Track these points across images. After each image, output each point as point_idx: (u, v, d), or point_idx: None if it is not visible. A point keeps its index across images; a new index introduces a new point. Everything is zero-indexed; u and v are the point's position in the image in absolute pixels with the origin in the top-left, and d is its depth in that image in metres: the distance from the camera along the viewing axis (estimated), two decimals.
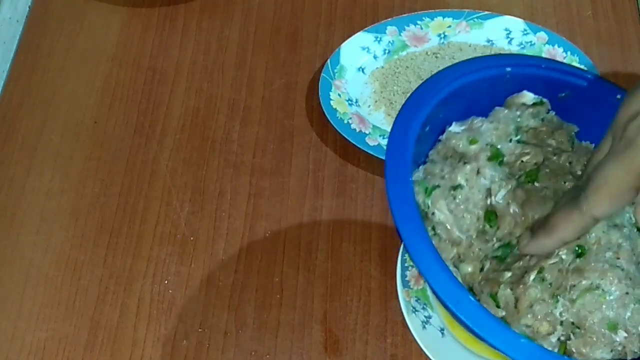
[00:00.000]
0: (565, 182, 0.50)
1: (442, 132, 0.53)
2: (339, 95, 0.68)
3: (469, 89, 0.53)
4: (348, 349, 0.58)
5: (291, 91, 0.70)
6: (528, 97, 0.54)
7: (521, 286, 0.46)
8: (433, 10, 0.73)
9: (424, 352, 0.56)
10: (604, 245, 0.48)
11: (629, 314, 0.45)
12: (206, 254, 0.62)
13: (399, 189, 0.46)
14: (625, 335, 0.45)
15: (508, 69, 0.53)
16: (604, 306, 0.45)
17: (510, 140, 0.52)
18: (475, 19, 0.72)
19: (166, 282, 0.60)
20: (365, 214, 0.64)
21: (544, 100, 0.54)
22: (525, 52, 0.71)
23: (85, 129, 0.68)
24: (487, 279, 0.47)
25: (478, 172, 0.50)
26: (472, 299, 0.43)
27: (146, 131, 0.68)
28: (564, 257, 0.47)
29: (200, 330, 0.58)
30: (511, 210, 0.49)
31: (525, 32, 0.71)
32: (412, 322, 0.57)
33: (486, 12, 0.72)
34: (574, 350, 0.45)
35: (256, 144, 0.67)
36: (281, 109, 0.69)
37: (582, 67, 0.53)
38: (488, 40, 0.72)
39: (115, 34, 0.74)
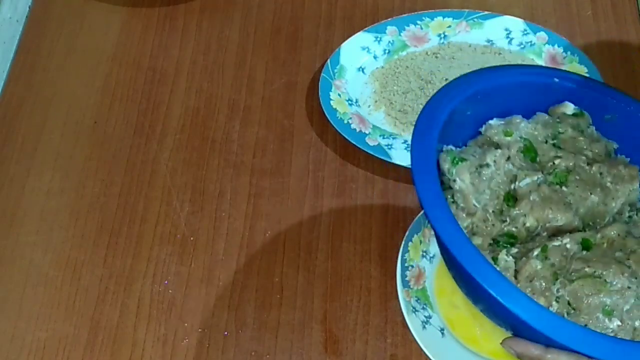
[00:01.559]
0: (591, 194, 0.51)
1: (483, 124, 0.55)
2: (339, 95, 0.68)
3: (519, 89, 0.55)
4: (348, 349, 0.58)
5: (291, 91, 0.70)
6: (569, 107, 0.55)
7: (524, 259, 0.47)
8: (433, 10, 0.73)
9: (424, 352, 0.56)
10: (616, 246, 0.49)
11: (627, 306, 0.46)
12: (206, 254, 0.62)
13: (423, 148, 0.48)
14: (619, 324, 0.46)
15: (556, 80, 0.55)
16: (602, 293, 0.46)
17: (546, 142, 0.54)
18: (475, 19, 0.72)
19: (166, 282, 0.60)
20: (365, 214, 0.63)
21: (585, 113, 0.55)
22: (525, 52, 0.71)
23: (85, 129, 0.68)
24: (493, 250, 0.49)
25: (508, 158, 0.52)
26: (476, 249, 0.44)
27: (146, 131, 0.68)
28: (568, 246, 0.49)
29: (200, 330, 0.58)
30: (531, 198, 0.50)
31: (525, 32, 0.71)
32: (412, 322, 0.57)
33: (486, 12, 0.72)
34: None
35: (256, 144, 0.67)
36: (281, 109, 0.69)
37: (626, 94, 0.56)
38: (488, 40, 0.72)
39: (115, 34, 0.74)
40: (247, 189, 0.65)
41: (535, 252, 0.47)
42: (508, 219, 0.50)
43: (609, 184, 0.53)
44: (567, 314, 0.46)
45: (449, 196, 0.51)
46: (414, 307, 0.58)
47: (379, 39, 0.71)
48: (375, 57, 0.71)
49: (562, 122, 0.55)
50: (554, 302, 0.46)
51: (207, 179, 0.65)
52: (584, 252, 0.49)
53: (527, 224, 0.50)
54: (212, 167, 0.66)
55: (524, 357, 0.44)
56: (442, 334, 0.57)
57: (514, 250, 0.48)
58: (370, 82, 0.70)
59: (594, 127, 0.56)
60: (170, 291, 0.60)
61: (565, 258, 0.48)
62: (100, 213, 0.64)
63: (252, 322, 0.59)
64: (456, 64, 0.71)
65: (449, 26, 0.72)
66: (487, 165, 0.51)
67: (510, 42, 0.72)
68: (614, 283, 0.47)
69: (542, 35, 0.71)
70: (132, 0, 0.75)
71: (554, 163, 0.53)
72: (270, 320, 0.59)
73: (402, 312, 0.57)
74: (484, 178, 0.51)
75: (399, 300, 0.57)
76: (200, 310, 0.59)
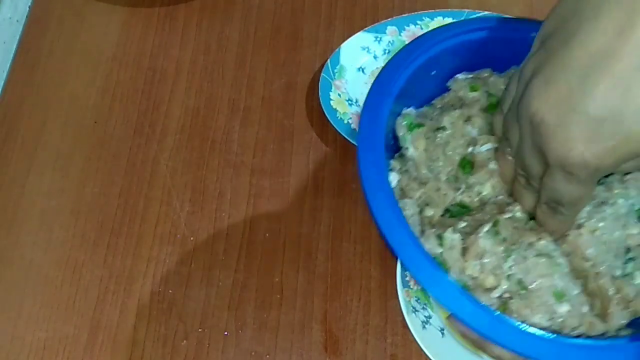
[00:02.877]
0: None
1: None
2: (339, 95, 0.68)
3: (489, 44, 0.51)
4: (348, 349, 0.58)
5: (291, 91, 0.70)
6: None
7: (472, 236, 0.45)
8: (433, 10, 0.73)
9: (424, 352, 0.56)
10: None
11: (576, 291, 0.45)
12: (206, 254, 0.62)
13: (371, 127, 0.45)
14: (569, 309, 0.44)
15: (533, 34, 0.52)
16: (556, 275, 0.45)
17: None
18: None
19: (166, 282, 0.60)
20: (365, 214, 0.63)
21: None
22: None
23: (86, 129, 0.68)
24: (442, 223, 0.46)
25: (468, 119, 0.49)
26: (413, 237, 0.42)
27: (146, 131, 0.68)
28: (518, 215, 0.46)
29: (200, 330, 0.58)
30: (490, 167, 0.48)
31: None
32: (412, 322, 0.57)
33: (486, 12, 0.72)
34: (514, 310, 0.44)
35: (256, 144, 0.67)
36: (281, 109, 0.69)
37: None
38: None
39: (115, 34, 0.74)
40: (247, 189, 0.65)
41: (486, 228, 0.45)
42: (463, 186, 0.48)
43: None
44: (517, 295, 0.44)
45: (402, 165, 0.49)
46: (414, 307, 0.58)
47: (379, 39, 0.71)
48: (375, 57, 0.71)
49: None
50: (503, 280, 0.44)
51: (207, 179, 0.65)
52: (532, 222, 0.46)
53: (483, 193, 0.47)
54: (212, 167, 0.66)
55: None
56: (442, 334, 0.57)
57: (463, 224, 0.46)
58: (370, 82, 0.70)
59: None
60: (170, 291, 0.60)
61: (516, 230, 0.46)
62: (100, 213, 0.64)
63: (252, 322, 0.59)
64: None
65: None
66: (444, 128, 0.48)
67: None
68: (563, 263, 0.45)
69: None
70: (132, 0, 0.75)
71: None
72: (270, 320, 0.59)
73: (402, 312, 0.57)
74: (439, 142, 0.48)
75: (399, 300, 0.57)
76: (200, 310, 0.59)
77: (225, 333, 0.58)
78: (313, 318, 0.59)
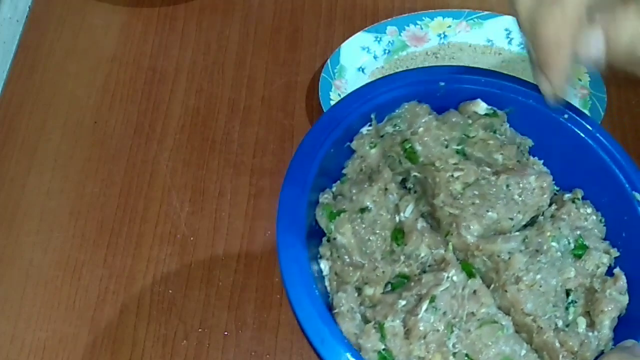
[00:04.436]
0: (489, 212, 0.48)
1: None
2: (339, 95, 0.68)
3: (397, 105, 0.51)
4: None
5: (291, 91, 0.70)
6: (481, 106, 0.52)
7: (413, 317, 0.44)
8: (433, 10, 0.73)
9: None
10: (503, 267, 0.47)
11: (524, 351, 0.44)
12: (206, 254, 0.62)
13: (288, 223, 0.45)
14: None
15: (442, 84, 0.51)
16: (501, 341, 0.44)
17: (447, 147, 0.50)
18: (475, 19, 0.72)
19: (166, 282, 0.60)
20: None
21: (499, 112, 0.52)
22: (525, 51, 0.71)
23: (86, 129, 0.68)
24: (383, 303, 0.46)
25: (386, 190, 0.49)
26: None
27: (146, 131, 0.68)
28: (455, 279, 0.45)
29: (200, 330, 0.58)
30: (419, 227, 0.48)
31: None
32: None
33: (486, 12, 0.72)
34: None
35: (256, 144, 0.67)
36: (281, 109, 0.69)
37: (528, 81, 0.52)
38: (488, 40, 0.72)
39: (115, 34, 0.74)
40: (247, 189, 0.65)
41: (424, 306, 0.44)
42: (402, 258, 0.47)
43: (516, 197, 0.49)
44: None
45: (334, 251, 0.48)
46: None
47: (379, 39, 0.71)
48: (375, 57, 0.71)
49: (474, 123, 0.51)
50: (450, 358, 0.44)
51: (207, 179, 0.65)
52: (470, 282, 0.46)
53: (421, 255, 0.47)
54: (212, 167, 0.66)
55: None
56: None
57: (402, 302, 0.45)
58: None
59: (508, 125, 0.52)
60: (170, 291, 0.60)
61: (456, 299, 0.45)
62: (100, 213, 0.64)
63: (252, 322, 0.59)
64: (456, 64, 0.71)
65: (449, 26, 0.72)
66: (368, 209, 0.48)
67: (510, 42, 0.72)
68: (510, 326, 0.45)
69: None
70: (132, 1, 0.75)
71: (452, 175, 0.49)
72: (270, 320, 0.59)
73: None
74: (367, 224, 0.48)
75: None
76: (200, 310, 0.59)
77: (225, 333, 0.58)
78: None
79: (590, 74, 0.68)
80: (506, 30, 0.72)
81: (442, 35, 0.72)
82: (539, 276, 0.46)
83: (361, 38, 0.71)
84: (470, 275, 0.47)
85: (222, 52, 0.73)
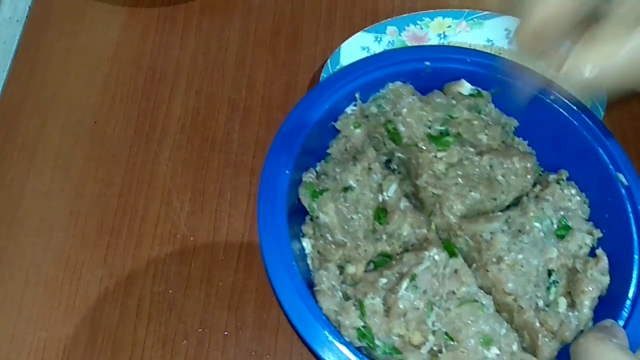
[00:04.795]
0: (471, 192, 0.48)
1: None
2: None
3: (382, 84, 0.51)
4: None
5: (291, 91, 0.70)
6: (465, 86, 0.52)
7: (393, 296, 0.44)
8: (433, 10, 0.73)
9: None
10: (492, 251, 0.46)
11: (504, 330, 0.44)
12: (206, 254, 0.62)
13: (269, 203, 0.45)
14: (498, 352, 0.44)
15: (427, 63, 0.51)
16: (481, 320, 0.44)
17: (430, 127, 0.50)
18: (475, 19, 0.72)
19: (166, 282, 0.60)
20: None
21: (483, 92, 0.52)
22: None
23: (85, 129, 0.68)
24: (365, 281, 0.46)
25: (369, 168, 0.49)
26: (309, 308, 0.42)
27: (146, 131, 0.68)
28: (436, 258, 0.45)
29: (200, 330, 0.58)
30: (401, 206, 0.48)
31: None
32: None
33: (486, 12, 0.72)
34: None
35: (256, 144, 0.67)
36: (281, 109, 0.69)
37: (513, 61, 0.51)
38: (488, 40, 0.72)
39: (116, 34, 0.74)
40: (247, 189, 0.65)
41: (404, 285, 0.44)
42: (384, 237, 0.47)
43: (500, 178, 0.49)
44: (445, 347, 0.44)
45: (316, 230, 0.48)
46: None
47: (379, 39, 0.71)
48: None
49: (458, 104, 0.51)
50: (430, 336, 0.44)
51: (207, 179, 0.65)
52: (451, 261, 0.45)
53: (404, 234, 0.47)
54: (212, 167, 0.66)
55: None
56: None
57: (384, 281, 0.45)
58: None
59: (494, 105, 0.52)
60: (170, 291, 0.60)
61: (436, 278, 0.45)
62: (100, 213, 0.64)
63: (252, 322, 0.59)
64: None
65: (449, 26, 0.72)
66: (351, 188, 0.48)
67: (510, 42, 0.72)
68: (490, 305, 0.45)
69: None
70: (132, 1, 0.75)
71: (435, 156, 0.49)
72: (270, 320, 0.59)
73: None
74: (350, 203, 0.48)
75: None
76: (200, 310, 0.59)
77: (225, 333, 0.58)
78: None
79: None
80: (506, 30, 0.72)
81: (442, 35, 0.72)
82: (520, 256, 0.46)
83: (361, 38, 0.71)
84: (452, 254, 0.46)
85: (222, 52, 0.73)
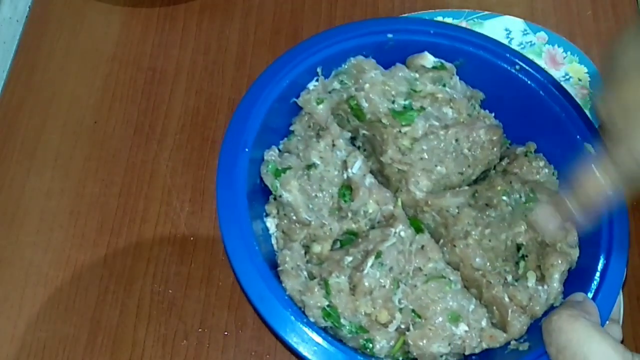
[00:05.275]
0: (437, 166, 0.47)
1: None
2: None
3: (344, 58, 0.50)
4: None
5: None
6: (428, 59, 0.50)
7: (358, 273, 0.43)
8: (433, 10, 0.73)
9: None
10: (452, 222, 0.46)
11: (472, 306, 0.44)
12: (206, 254, 0.62)
13: (228, 183, 0.44)
14: (466, 329, 0.43)
15: (390, 35, 0.50)
16: (449, 296, 0.43)
17: (393, 102, 0.49)
18: (475, 19, 0.72)
19: (166, 282, 0.60)
20: None
21: (447, 64, 0.50)
22: (525, 52, 0.71)
23: (85, 129, 0.68)
24: (330, 260, 0.45)
25: (333, 144, 0.48)
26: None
27: (146, 131, 0.68)
28: (402, 234, 0.45)
29: (200, 330, 0.58)
30: (366, 183, 0.47)
31: (525, 32, 0.71)
32: None
33: (486, 12, 0.72)
34: (411, 343, 0.43)
35: None
36: None
37: (478, 32, 0.50)
38: None
39: (115, 34, 0.74)
40: None
41: (370, 262, 0.43)
42: (349, 214, 0.47)
43: (466, 152, 0.48)
44: (413, 325, 0.43)
45: (280, 209, 0.47)
46: None
47: None
48: None
49: (421, 77, 0.49)
50: (397, 314, 0.43)
51: (207, 179, 0.65)
52: (418, 237, 0.44)
53: (370, 211, 0.46)
54: (212, 167, 0.66)
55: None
56: None
57: (349, 259, 0.44)
58: None
59: (458, 77, 0.51)
60: (170, 291, 0.60)
61: (402, 255, 0.44)
62: (100, 213, 0.64)
63: (252, 322, 0.59)
64: None
65: None
66: (315, 165, 0.47)
67: (510, 42, 0.72)
68: (458, 280, 0.44)
69: (542, 35, 0.71)
70: (132, 0, 0.75)
71: (399, 131, 0.48)
72: None
73: None
74: (314, 180, 0.47)
75: None
76: (200, 310, 0.59)
77: (225, 333, 0.58)
78: None
79: (590, 74, 0.68)
80: (506, 30, 0.72)
81: None
82: (488, 230, 0.45)
83: None
84: (419, 230, 0.46)
85: (222, 52, 0.73)
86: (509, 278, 0.45)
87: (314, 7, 0.76)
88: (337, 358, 0.40)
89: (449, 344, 0.43)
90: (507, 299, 0.44)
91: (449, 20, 0.72)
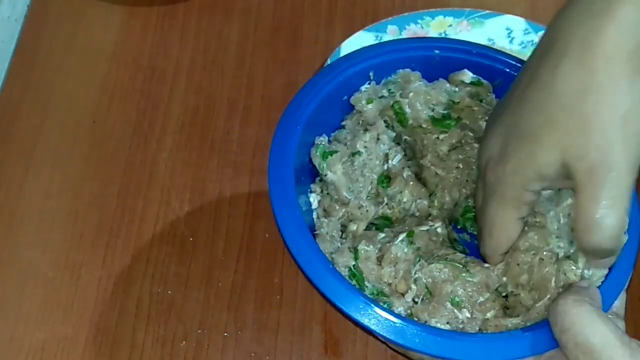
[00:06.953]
0: (469, 173, 0.51)
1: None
2: None
3: (394, 67, 0.54)
4: (348, 350, 0.57)
5: (291, 90, 0.70)
6: (467, 75, 0.54)
7: (388, 244, 0.47)
8: (434, 9, 0.72)
9: None
10: None
11: (481, 299, 0.46)
12: (206, 254, 0.61)
13: (281, 157, 0.47)
14: (468, 316, 0.45)
15: (437, 51, 0.54)
16: (458, 282, 0.45)
17: (433, 110, 0.53)
18: (476, 18, 0.72)
19: (165, 282, 0.60)
20: None
21: (484, 81, 0.54)
22: (526, 51, 0.71)
23: (84, 129, 0.68)
24: (364, 236, 0.48)
25: (378, 138, 0.51)
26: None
27: (145, 131, 0.68)
28: (439, 230, 0.49)
29: (199, 331, 0.58)
30: (404, 175, 0.51)
31: (527, 31, 0.71)
32: None
33: (487, 11, 0.72)
34: (415, 316, 0.45)
35: (256, 143, 0.67)
36: (281, 109, 0.68)
37: (516, 56, 0.54)
38: (489, 40, 0.72)
39: (114, 33, 0.73)
40: (247, 189, 0.65)
41: (401, 237, 0.47)
42: (385, 199, 0.50)
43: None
44: (422, 299, 0.46)
45: (323, 188, 0.51)
46: None
47: (379, 38, 0.71)
48: None
49: (460, 91, 0.53)
50: (412, 285, 0.46)
51: (206, 179, 0.65)
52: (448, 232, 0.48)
53: (404, 200, 0.50)
54: (212, 167, 0.66)
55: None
56: None
57: (382, 235, 0.48)
58: None
59: (494, 95, 0.54)
60: (169, 292, 0.60)
61: (434, 243, 0.48)
62: (99, 213, 0.63)
63: (251, 323, 0.58)
64: None
65: (450, 25, 0.72)
66: (359, 153, 0.51)
67: (511, 41, 0.71)
68: (476, 272, 0.46)
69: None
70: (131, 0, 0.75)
71: (438, 138, 0.52)
72: (270, 321, 0.58)
73: None
74: (357, 166, 0.51)
75: None
76: (200, 311, 0.59)
77: (225, 334, 0.58)
78: (313, 319, 0.59)
79: None
80: (507, 29, 0.72)
81: (443, 34, 0.72)
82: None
83: (361, 37, 0.70)
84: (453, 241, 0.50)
85: (221, 51, 0.73)
86: (561, 253, 0.47)
87: (314, 6, 0.75)
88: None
89: (448, 323, 0.45)
90: (553, 283, 0.46)
91: (449, 19, 0.72)
